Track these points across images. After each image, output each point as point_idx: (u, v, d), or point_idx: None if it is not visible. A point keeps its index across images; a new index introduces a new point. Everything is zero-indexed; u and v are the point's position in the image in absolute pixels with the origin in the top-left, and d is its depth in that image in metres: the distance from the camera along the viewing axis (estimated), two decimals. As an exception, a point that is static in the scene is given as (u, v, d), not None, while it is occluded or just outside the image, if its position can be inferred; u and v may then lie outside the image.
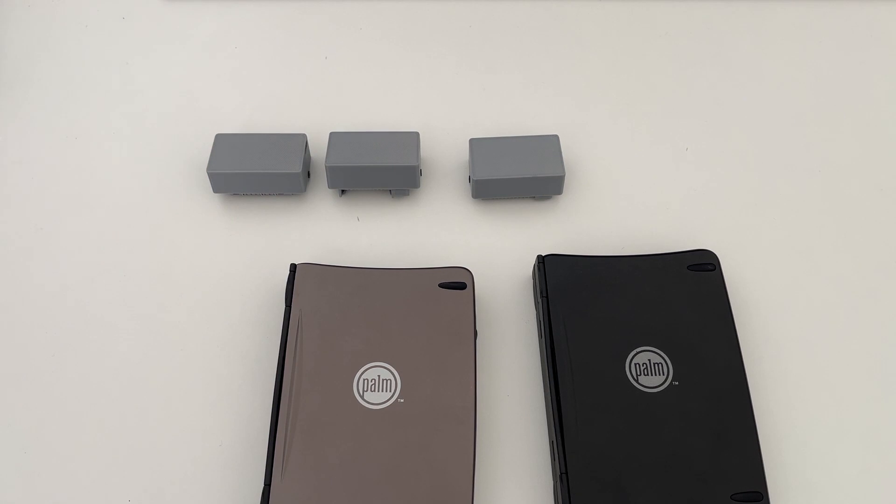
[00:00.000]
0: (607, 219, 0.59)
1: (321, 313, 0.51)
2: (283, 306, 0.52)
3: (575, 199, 0.60)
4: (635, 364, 0.49)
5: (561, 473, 0.46)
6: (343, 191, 0.60)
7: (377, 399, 0.48)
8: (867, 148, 0.63)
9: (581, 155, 0.62)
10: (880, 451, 0.50)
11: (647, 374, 0.49)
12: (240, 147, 0.58)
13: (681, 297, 0.52)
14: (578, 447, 0.47)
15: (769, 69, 0.67)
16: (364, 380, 0.48)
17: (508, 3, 0.71)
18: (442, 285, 0.52)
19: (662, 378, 0.49)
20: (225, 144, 0.58)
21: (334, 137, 0.58)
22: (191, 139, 0.62)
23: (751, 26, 0.70)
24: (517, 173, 0.57)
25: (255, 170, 0.57)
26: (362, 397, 0.48)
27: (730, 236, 0.58)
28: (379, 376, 0.49)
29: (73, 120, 0.64)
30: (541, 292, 0.52)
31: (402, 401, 0.48)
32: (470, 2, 0.71)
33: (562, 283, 0.52)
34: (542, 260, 0.53)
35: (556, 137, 0.59)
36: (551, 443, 0.48)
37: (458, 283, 0.52)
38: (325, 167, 0.57)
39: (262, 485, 0.46)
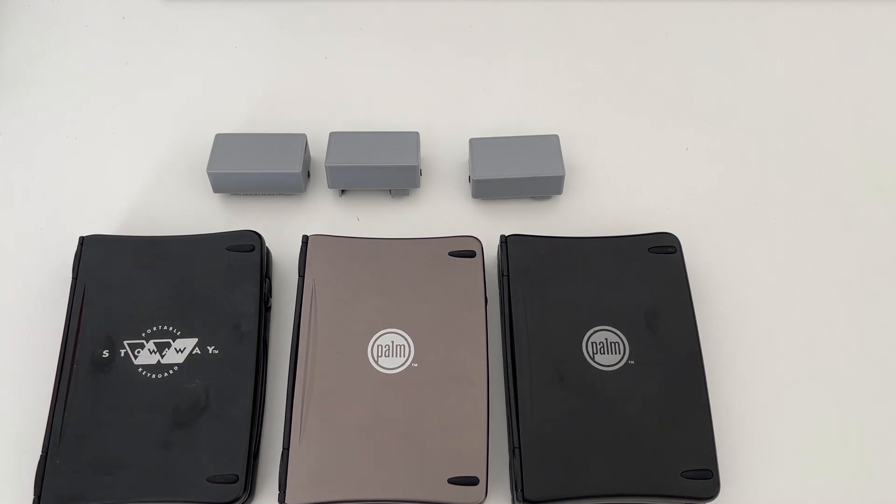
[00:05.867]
0: (607, 219, 0.59)
1: (334, 282, 0.52)
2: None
3: (575, 199, 0.60)
4: (592, 343, 0.50)
5: (514, 448, 0.47)
6: (343, 191, 0.60)
7: (391, 364, 0.49)
8: (867, 148, 0.63)
9: (581, 155, 0.62)
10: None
11: (604, 353, 0.50)
12: (240, 147, 0.58)
13: (640, 279, 0.52)
14: (532, 423, 0.48)
15: (769, 69, 0.67)
16: (378, 346, 0.50)
17: (508, 3, 0.71)
18: (452, 254, 0.53)
19: (618, 357, 0.50)
20: (225, 144, 0.58)
21: (334, 137, 0.58)
22: (191, 139, 0.62)
23: (751, 26, 0.70)
24: (517, 173, 0.57)
25: (255, 170, 0.57)
26: (377, 363, 0.49)
27: (731, 236, 0.58)
28: (393, 342, 0.50)
29: (73, 120, 0.64)
30: (502, 272, 0.53)
31: (415, 365, 0.49)
32: (470, 2, 0.71)
33: (523, 262, 0.53)
34: (504, 240, 0.54)
35: (556, 137, 0.59)
36: (507, 418, 0.49)
37: (467, 251, 0.53)
38: (325, 167, 0.57)
39: (281, 448, 0.47)
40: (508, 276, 0.52)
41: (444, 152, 0.62)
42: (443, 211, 0.60)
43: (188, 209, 0.59)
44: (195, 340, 0.50)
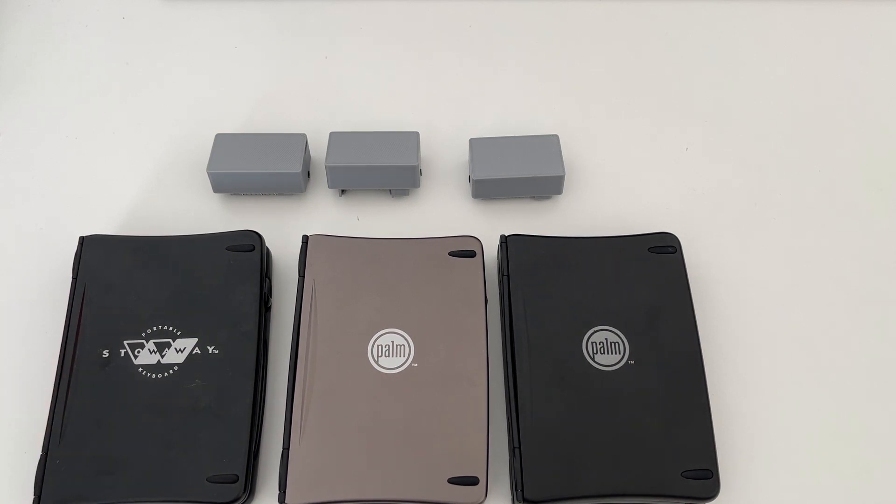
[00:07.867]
0: (607, 219, 0.59)
1: (334, 282, 0.52)
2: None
3: (575, 199, 0.60)
4: (592, 342, 0.50)
5: (514, 448, 0.47)
6: (343, 191, 0.60)
7: (391, 364, 0.49)
8: (867, 148, 0.63)
9: (581, 155, 0.62)
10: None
11: (604, 353, 0.50)
12: (240, 147, 0.58)
13: (640, 278, 0.52)
14: (532, 423, 0.48)
15: (769, 69, 0.67)
16: (378, 345, 0.50)
17: (508, 3, 0.71)
18: (452, 254, 0.53)
19: (619, 357, 0.50)
20: (225, 144, 0.58)
21: (334, 137, 0.58)
22: (191, 139, 0.62)
23: (751, 26, 0.70)
24: (517, 173, 0.57)
25: (255, 170, 0.57)
26: (377, 362, 0.49)
27: (731, 236, 0.58)
28: (393, 342, 0.50)
29: (73, 120, 0.64)
30: (502, 271, 0.53)
31: (415, 365, 0.49)
32: (470, 2, 0.71)
33: (523, 262, 0.53)
34: (504, 240, 0.54)
35: (556, 137, 0.59)
36: (507, 418, 0.49)
37: (467, 251, 0.53)
38: (325, 167, 0.57)
39: (281, 448, 0.47)
40: (508, 276, 0.52)
41: (444, 152, 0.62)
42: (443, 211, 0.60)
43: (188, 209, 0.59)
44: (195, 340, 0.50)
